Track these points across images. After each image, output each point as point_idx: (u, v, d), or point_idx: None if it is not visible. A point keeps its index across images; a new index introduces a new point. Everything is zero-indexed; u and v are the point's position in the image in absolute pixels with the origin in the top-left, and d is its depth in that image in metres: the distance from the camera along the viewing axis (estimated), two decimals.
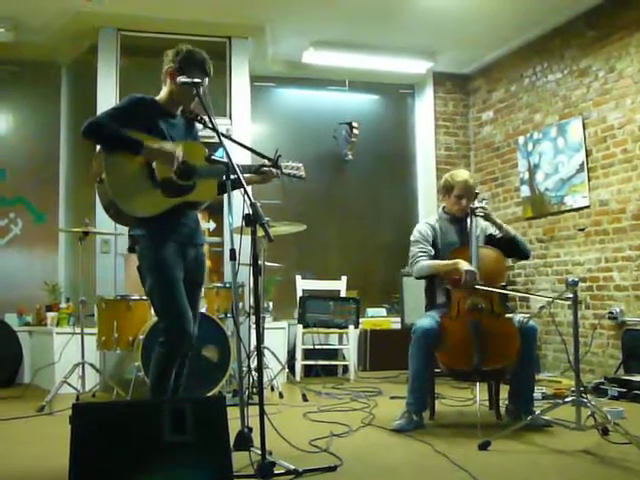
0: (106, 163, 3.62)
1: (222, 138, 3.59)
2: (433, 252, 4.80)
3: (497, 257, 4.74)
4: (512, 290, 4.53)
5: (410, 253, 4.83)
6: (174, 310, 3.74)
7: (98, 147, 3.75)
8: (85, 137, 3.68)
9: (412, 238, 4.89)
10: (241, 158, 4.12)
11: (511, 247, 4.82)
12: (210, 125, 3.67)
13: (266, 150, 4.12)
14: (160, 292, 3.79)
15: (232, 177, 3.65)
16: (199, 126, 4.03)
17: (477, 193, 4.94)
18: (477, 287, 4.49)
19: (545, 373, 7.15)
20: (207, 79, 3.89)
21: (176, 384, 3.89)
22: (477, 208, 4.79)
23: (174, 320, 3.74)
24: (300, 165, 4.22)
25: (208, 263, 8.55)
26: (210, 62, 3.93)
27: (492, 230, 4.91)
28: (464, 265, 4.53)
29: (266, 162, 4.06)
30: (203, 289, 6.63)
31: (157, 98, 3.94)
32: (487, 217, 4.82)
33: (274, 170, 4.05)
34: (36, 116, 8.07)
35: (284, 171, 4.12)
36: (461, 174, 4.89)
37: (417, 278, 4.84)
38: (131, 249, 3.91)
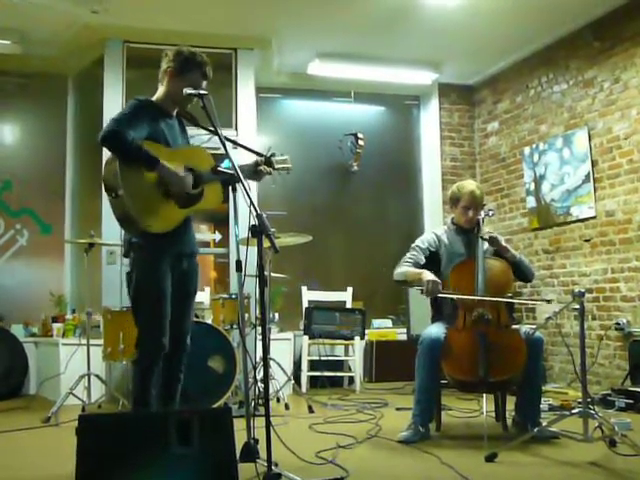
0: (122, 178, 3.59)
1: (225, 144, 3.60)
2: (423, 261, 4.83)
3: (504, 268, 4.72)
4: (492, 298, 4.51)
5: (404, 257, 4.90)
6: (155, 324, 3.77)
7: (109, 155, 3.74)
8: (103, 145, 3.67)
9: (412, 244, 4.95)
10: (246, 161, 4.14)
11: (515, 269, 4.81)
12: (206, 128, 3.70)
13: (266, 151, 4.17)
14: (145, 305, 3.81)
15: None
16: (204, 137, 4.04)
17: (483, 204, 4.93)
18: (440, 295, 4.54)
19: (551, 384, 7.13)
20: (205, 82, 3.91)
21: (168, 401, 3.89)
22: (484, 233, 4.77)
23: (154, 333, 3.77)
24: (286, 157, 4.25)
25: (213, 274, 8.58)
26: (209, 65, 3.95)
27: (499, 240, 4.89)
28: (427, 275, 4.55)
29: (259, 160, 4.10)
30: (209, 300, 6.70)
31: (154, 98, 3.95)
32: (493, 241, 4.79)
33: (267, 168, 4.09)
34: (43, 128, 8.10)
35: (275, 167, 4.16)
36: (468, 185, 4.88)
37: (395, 281, 4.85)
38: (126, 255, 3.93)
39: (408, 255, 4.87)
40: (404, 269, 4.77)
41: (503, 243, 4.81)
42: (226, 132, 4.01)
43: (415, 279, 4.66)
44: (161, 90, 3.96)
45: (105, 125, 3.71)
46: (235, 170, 3.52)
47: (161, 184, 3.70)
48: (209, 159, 3.96)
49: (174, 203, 3.76)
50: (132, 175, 3.64)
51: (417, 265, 4.78)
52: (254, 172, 4.07)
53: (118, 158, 3.64)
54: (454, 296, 4.57)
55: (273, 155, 4.15)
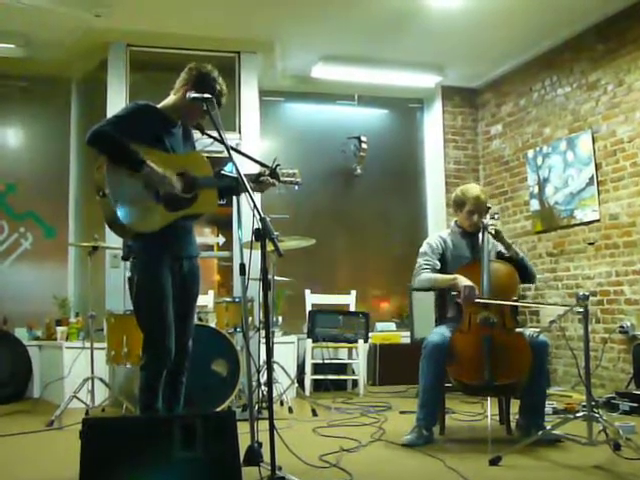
0: (109, 178, 3.61)
1: (230, 151, 3.60)
2: (439, 266, 4.79)
3: (509, 271, 4.71)
4: (520, 302, 4.48)
5: (416, 264, 4.83)
6: (159, 327, 3.76)
7: (100, 158, 3.74)
8: (89, 145, 3.68)
9: (420, 250, 4.89)
10: (249, 169, 4.13)
11: (517, 268, 4.79)
12: (217, 138, 3.69)
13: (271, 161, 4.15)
14: (148, 308, 3.81)
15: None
16: (207, 141, 4.04)
17: (489, 207, 4.92)
18: (477, 301, 4.48)
19: (555, 387, 7.12)
20: (217, 109, 3.86)
21: (172, 404, 3.89)
22: (489, 225, 4.77)
23: (158, 336, 3.76)
24: (295, 171, 4.23)
25: (217, 277, 8.57)
26: (226, 95, 3.93)
27: (502, 248, 4.89)
28: (463, 281, 4.52)
29: (263, 170, 4.08)
30: (213, 303, 6.69)
31: (161, 105, 3.93)
32: (497, 235, 4.79)
33: (270, 179, 4.07)
34: (46, 131, 8.12)
35: (281, 179, 4.14)
36: (473, 190, 4.86)
37: (416, 289, 4.83)
38: (125, 258, 3.93)
39: (423, 262, 4.79)
40: (430, 276, 4.70)
41: (507, 240, 4.85)
42: (229, 136, 4.02)
43: (448, 285, 4.63)
44: (171, 99, 3.94)
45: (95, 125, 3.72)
46: (238, 174, 3.52)
47: (149, 186, 3.70)
48: (207, 166, 3.95)
49: (162, 206, 3.75)
50: (120, 174, 3.64)
51: (434, 270, 4.74)
52: (257, 182, 4.05)
53: (106, 158, 3.65)
54: (492, 302, 4.51)
55: (278, 166, 4.13)
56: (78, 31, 7.05)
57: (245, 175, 3.61)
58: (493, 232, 4.77)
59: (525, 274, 4.86)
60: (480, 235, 4.83)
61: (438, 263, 4.80)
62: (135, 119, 3.77)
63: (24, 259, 7.85)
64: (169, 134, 3.89)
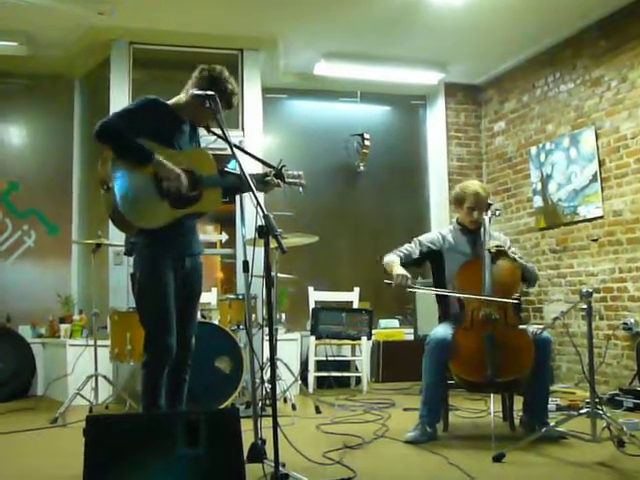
0: (114, 172, 3.61)
1: (233, 149, 3.60)
2: (417, 255, 4.86)
3: (511, 268, 4.70)
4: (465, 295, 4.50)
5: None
6: (161, 324, 3.76)
7: (106, 151, 3.72)
8: (97, 140, 3.67)
9: (416, 237, 4.97)
10: (252, 168, 4.12)
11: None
12: (221, 136, 3.68)
13: (276, 161, 4.15)
14: (150, 305, 3.81)
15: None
16: (211, 138, 4.04)
17: (490, 204, 4.91)
18: (409, 290, 4.59)
19: (559, 384, 7.11)
20: (227, 110, 3.85)
21: (174, 401, 3.89)
22: (491, 247, 4.73)
23: (160, 333, 3.76)
24: (301, 173, 4.23)
25: (220, 275, 8.57)
26: (237, 96, 3.92)
27: (502, 242, 4.87)
28: (397, 269, 4.57)
29: (269, 171, 4.08)
30: (216, 301, 6.69)
31: (171, 101, 3.93)
32: (501, 254, 4.74)
33: (275, 180, 4.07)
34: (49, 129, 8.11)
35: (286, 180, 4.13)
36: (472, 185, 4.86)
37: (383, 267, 4.84)
38: (128, 253, 3.93)
39: (405, 246, 4.90)
40: (391, 258, 4.79)
41: (511, 255, 4.77)
42: (232, 133, 4.01)
43: (388, 270, 4.68)
44: (182, 97, 3.92)
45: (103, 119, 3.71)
46: (241, 171, 3.52)
47: (157, 180, 3.70)
48: (212, 163, 3.94)
49: (167, 203, 3.75)
50: (125, 169, 3.64)
51: (408, 258, 4.81)
52: (262, 182, 4.05)
53: (113, 152, 3.65)
54: (423, 290, 4.61)
55: (284, 167, 4.12)
56: (81, 29, 7.06)
57: (250, 175, 3.61)
58: (494, 252, 4.72)
59: (526, 280, 4.85)
60: (481, 232, 4.82)
61: (417, 253, 4.87)
62: (144, 113, 3.77)
63: (27, 257, 7.85)
64: (177, 130, 3.89)
